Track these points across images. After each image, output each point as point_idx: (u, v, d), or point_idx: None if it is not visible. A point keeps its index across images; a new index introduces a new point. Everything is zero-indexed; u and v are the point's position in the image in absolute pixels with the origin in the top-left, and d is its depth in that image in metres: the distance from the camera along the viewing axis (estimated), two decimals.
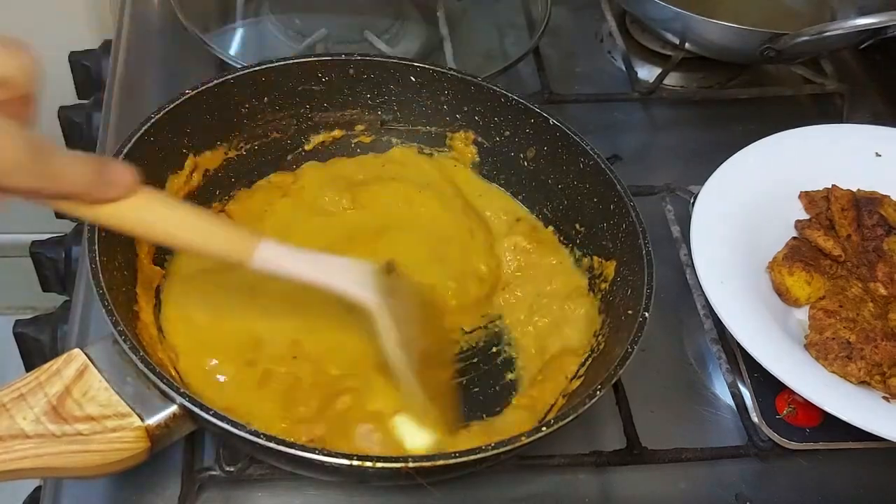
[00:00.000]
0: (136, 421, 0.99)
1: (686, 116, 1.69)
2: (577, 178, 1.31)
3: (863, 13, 1.61)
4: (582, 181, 1.30)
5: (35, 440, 0.96)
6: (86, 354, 1.03)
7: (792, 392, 1.18)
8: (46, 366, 1.02)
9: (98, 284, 1.04)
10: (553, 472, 1.18)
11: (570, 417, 1.00)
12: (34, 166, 0.87)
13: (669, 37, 1.70)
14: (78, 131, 1.65)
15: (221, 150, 1.32)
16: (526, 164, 1.36)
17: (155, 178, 1.21)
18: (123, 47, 1.64)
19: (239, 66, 1.32)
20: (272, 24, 1.69)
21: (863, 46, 1.67)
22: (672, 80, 1.71)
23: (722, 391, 1.29)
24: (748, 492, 1.20)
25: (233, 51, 1.63)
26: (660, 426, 1.23)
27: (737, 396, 1.24)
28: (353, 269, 1.13)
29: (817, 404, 1.15)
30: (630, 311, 1.14)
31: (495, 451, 0.97)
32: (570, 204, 1.32)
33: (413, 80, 1.37)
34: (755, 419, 1.22)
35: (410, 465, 0.95)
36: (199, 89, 1.27)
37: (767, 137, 1.46)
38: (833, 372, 1.22)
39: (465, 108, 1.38)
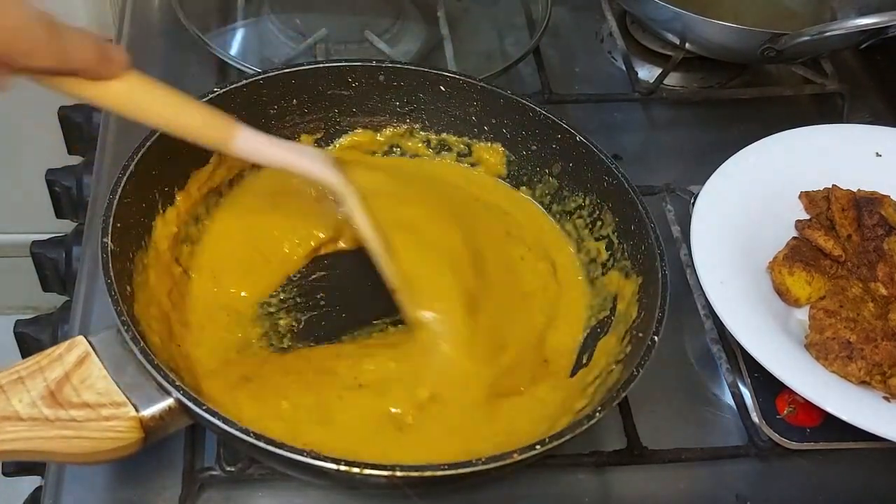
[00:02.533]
0: (131, 411, 1.00)
1: (686, 116, 1.69)
2: (600, 196, 1.31)
3: (863, 13, 1.60)
4: (605, 199, 1.30)
5: (28, 423, 0.97)
6: (89, 342, 1.04)
7: (792, 392, 1.18)
8: (49, 350, 1.03)
9: (107, 274, 1.05)
10: (552, 471, 1.19)
11: (567, 437, 1.00)
12: (50, 44, 0.94)
13: (670, 37, 1.70)
14: (78, 131, 1.65)
15: None
16: (551, 179, 1.36)
17: (178, 172, 1.24)
18: (124, 47, 1.63)
19: (268, 68, 1.33)
20: (272, 24, 1.69)
21: (863, 46, 1.67)
22: (672, 80, 1.71)
23: (722, 391, 1.29)
24: (748, 492, 1.20)
25: (233, 51, 1.63)
26: (660, 426, 1.24)
27: (737, 396, 1.24)
28: (321, 156, 1.20)
29: (818, 404, 1.15)
30: (640, 334, 1.14)
31: (485, 467, 0.97)
32: (592, 222, 1.32)
33: (443, 89, 1.37)
34: (755, 419, 1.22)
35: (398, 473, 0.95)
36: (227, 88, 1.28)
37: (768, 137, 1.47)
38: (833, 372, 1.22)
39: (494, 121, 1.38)
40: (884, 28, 1.54)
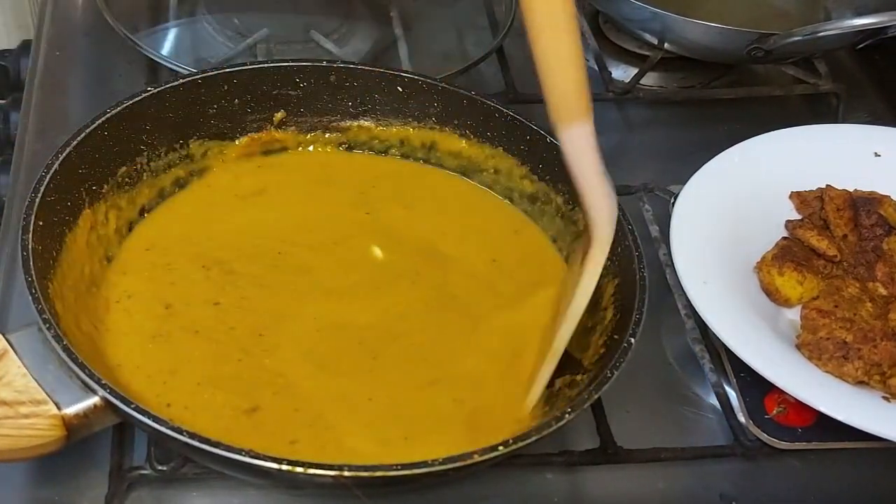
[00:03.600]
0: (52, 409, 1.04)
1: (665, 116, 1.76)
2: (572, 197, 1.34)
3: (860, 13, 1.67)
4: (578, 200, 1.34)
5: None
6: (7, 340, 1.09)
7: (782, 392, 1.22)
8: None
9: (28, 272, 1.10)
10: (519, 470, 1.22)
11: (532, 439, 1.03)
12: None
13: (647, 37, 1.76)
14: None
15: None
16: (521, 181, 1.42)
17: (106, 170, 1.29)
18: (45, 47, 1.69)
19: (207, 68, 1.39)
20: (208, 24, 1.75)
21: (860, 47, 1.73)
22: (650, 79, 1.77)
23: (705, 391, 1.33)
24: (734, 492, 1.24)
25: (165, 51, 1.68)
26: (638, 427, 1.28)
27: (721, 397, 1.29)
28: (614, 205, 1.20)
29: (812, 405, 1.19)
30: (616, 336, 1.18)
31: (441, 468, 0.99)
32: (565, 223, 1.38)
33: (400, 90, 1.42)
34: (742, 419, 1.27)
35: (346, 473, 0.97)
36: (162, 87, 1.34)
37: (757, 136, 1.53)
38: (828, 372, 1.27)
39: (456, 122, 1.43)
40: (882, 28, 1.60)
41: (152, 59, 1.61)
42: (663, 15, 1.66)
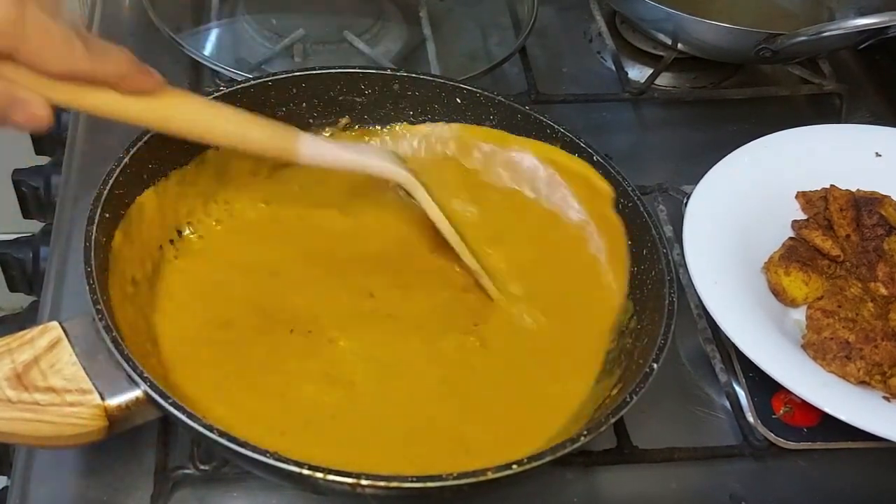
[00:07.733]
0: (96, 399, 1.02)
1: (678, 116, 1.72)
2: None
3: (862, 13, 1.64)
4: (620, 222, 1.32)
5: None
6: (62, 328, 1.06)
7: (789, 392, 1.20)
8: (21, 333, 1.05)
9: (88, 262, 1.08)
10: (539, 470, 1.19)
11: (546, 459, 1.01)
12: (84, 50, 1.00)
13: (661, 37, 1.73)
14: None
15: None
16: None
17: (173, 165, 1.27)
18: None
19: (280, 71, 1.36)
20: (248, 25, 1.72)
21: (862, 47, 1.70)
22: (664, 80, 1.74)
23: (716, 391, 1.31)
24: (743, 492, 1.22)
25: (207, 51, 1.65)
26: (652, 426, 1.25)
27: (731, 396, 1.27)
28: (385, 154, 1.31)
29: (815, 405, 1.17)
30: (641, 361, 1.15)
31: (456, 482, 0.97)
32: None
33: (459, 101, 1.39)
34: (750, 419, 1.24)
35: (363, 482, 0.96)
36: (233, 88, 1.31)
37: (764, 137, 1.50)
38: (831, 372, 1.24)
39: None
40: (883, 28, 1.57)
41: (195, 60, 1.58)
42: (676, 15, 1.62)
